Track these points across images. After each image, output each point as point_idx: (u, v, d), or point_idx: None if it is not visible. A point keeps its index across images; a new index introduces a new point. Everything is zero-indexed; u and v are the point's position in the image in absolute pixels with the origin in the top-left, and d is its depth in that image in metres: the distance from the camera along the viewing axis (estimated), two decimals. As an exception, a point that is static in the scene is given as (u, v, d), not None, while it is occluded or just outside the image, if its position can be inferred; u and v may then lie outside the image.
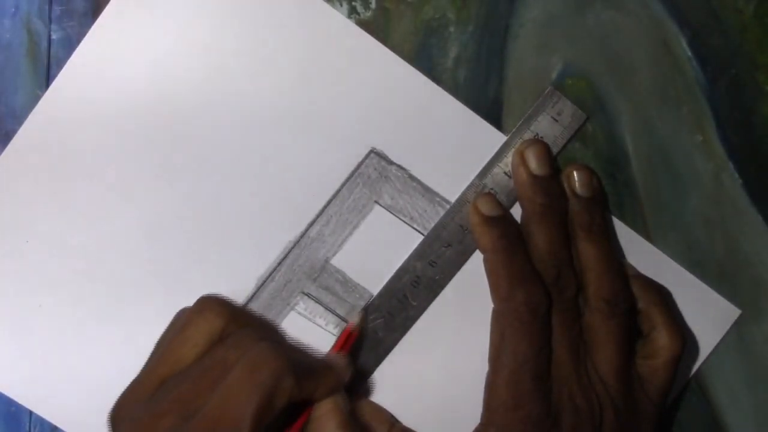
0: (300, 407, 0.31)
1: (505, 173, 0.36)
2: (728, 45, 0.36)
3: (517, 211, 0.36)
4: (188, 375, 0.30)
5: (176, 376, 0.30)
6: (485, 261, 0.35)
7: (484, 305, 0.35)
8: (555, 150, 0.36)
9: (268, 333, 0.33)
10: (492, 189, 0.36)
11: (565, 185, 0.35)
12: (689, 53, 0.36)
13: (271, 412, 0.29)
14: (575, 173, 0.35)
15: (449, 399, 0.37)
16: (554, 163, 0.35)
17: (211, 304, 0.32)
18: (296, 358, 0.31)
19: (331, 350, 0.35)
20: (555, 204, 0.35)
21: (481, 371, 0.35)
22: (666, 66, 0.36)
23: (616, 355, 0.34)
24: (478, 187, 0.36)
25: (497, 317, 0.35)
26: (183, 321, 0.32)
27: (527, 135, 0.36)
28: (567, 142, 0.36)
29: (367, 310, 0.36)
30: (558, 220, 0.35)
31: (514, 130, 0.36)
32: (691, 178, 0.37)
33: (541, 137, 0.36)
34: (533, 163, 0.35)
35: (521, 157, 0.35)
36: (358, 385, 0.37)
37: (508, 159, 0.36)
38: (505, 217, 0.35)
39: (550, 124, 0.36)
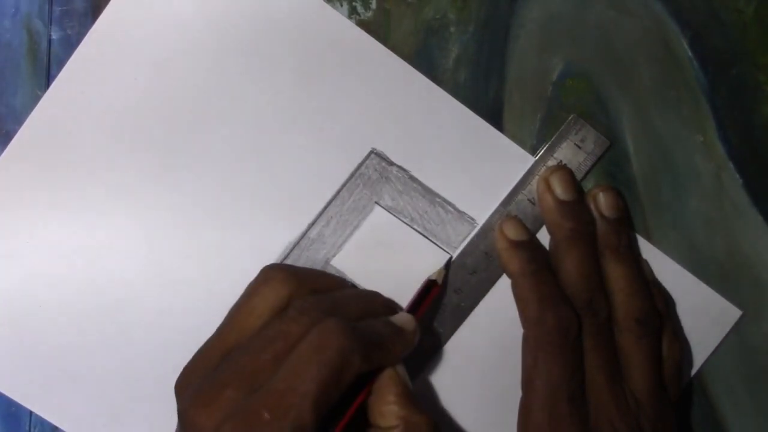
0: (362, 376, 0.30)
1: (529, 200, 0.36)
2: (729, 45, 0.36)
3: (541, 238, 0.36)
4: (251, 347, 0.29)
5: (240, 348, 0.30)
6: (514, 286, 0.35)
7: (512, 330, 0.35)
8: (579, 176, 0.36)
9: (333, 299, 0.32)
10: (516, 216, 0.36)
11: (591, 206, 0.35)
12: (690, 53, 0.36)
13: (336, 390, 0.28)
14: (601, 195, 0.35)
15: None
16: (579, 188, 0.35)
17: (275, 272, 0.32)
18: (363, 329, 0.30)
19: (406, 307, 0.34)
20: (583, 228, 0.35)
21: (514, 397, 0.35)
22: (667, 66, 0.36)
23: (649, 374, 0.34)
24: (503, 215, 0.36)
25: (528, 342, 0.34)
26: (249, 291, 0.31)
27: (551, 162, 0.36)
28: (590, 169, 0.36)
29: (448, 267, 0.36)
30: (587, 244, 0.35)
31: (537, 157, 0.36)
32: (692, 178, 0.37)
33: (565, 164, 0.36)
34: (559, 188, 0.35)
35: (546, 183, 0.35)
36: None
37: (532, 186, 0.36)
38: (532, 242, 0.35)
39: (574, 151, 0.36)
